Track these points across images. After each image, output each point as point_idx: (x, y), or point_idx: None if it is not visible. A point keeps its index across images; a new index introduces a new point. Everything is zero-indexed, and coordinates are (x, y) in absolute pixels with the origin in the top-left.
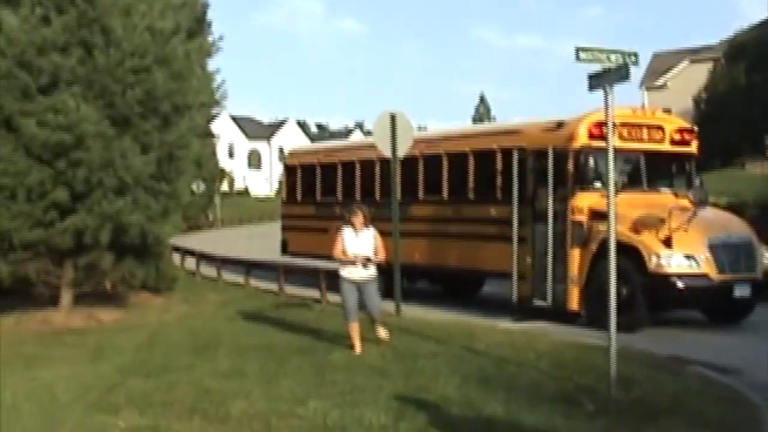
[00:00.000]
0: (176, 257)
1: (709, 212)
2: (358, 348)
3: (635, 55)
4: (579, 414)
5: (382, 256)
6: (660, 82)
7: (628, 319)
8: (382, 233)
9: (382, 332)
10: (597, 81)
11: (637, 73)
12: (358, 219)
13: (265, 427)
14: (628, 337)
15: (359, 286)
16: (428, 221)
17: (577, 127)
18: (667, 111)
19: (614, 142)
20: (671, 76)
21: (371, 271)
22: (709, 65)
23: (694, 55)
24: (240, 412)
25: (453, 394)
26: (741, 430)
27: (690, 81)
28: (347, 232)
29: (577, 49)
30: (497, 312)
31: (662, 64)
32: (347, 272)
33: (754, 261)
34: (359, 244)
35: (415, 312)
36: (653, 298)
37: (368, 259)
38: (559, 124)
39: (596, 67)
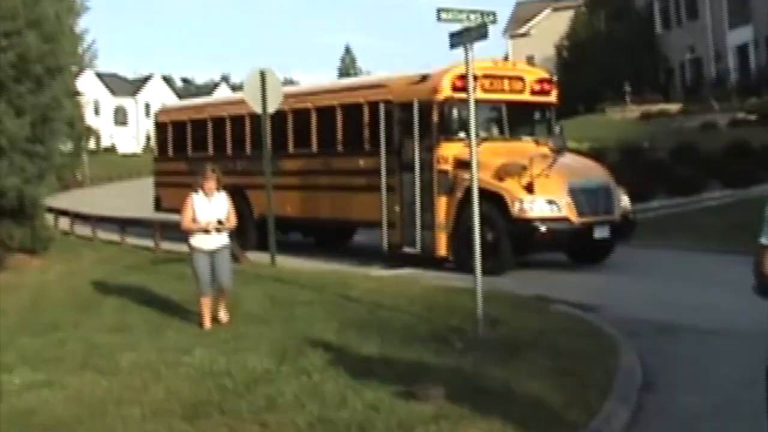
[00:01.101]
0: (49, 218)
1: (568, 158)
2: (207, 323)
3: (493, 14)
4: (449, 352)
5: (233, 222)
6: (523, 30)
7: (494, 262)
8: (255, 186)
9: (224, 312)
10: (458, 39)
11: (500, 20)
12: (211, 182)
13: (155, 376)
14: (495, 280)
15: (212, 255)
16: (299, 174)
17: (441, 80)
18: (530, 61)
19: (476, 93)
20: (534, 23)
21: (224, 239)
22: (571, 13)
23: (557, 3)
24: (130, 363)
25: (331, 338)
26: (595, 359)
27: (553, 29)
28: (198, 198)
29: (439, 10)
30: (369, 260)
31: (525, 12)
32: (199, 241)
33: (612, 204)
34: (211, 209)
35: (289, 263)
36: (518, 241)
37: (220, 223)
38: (424, 77)
39: (457, 27)
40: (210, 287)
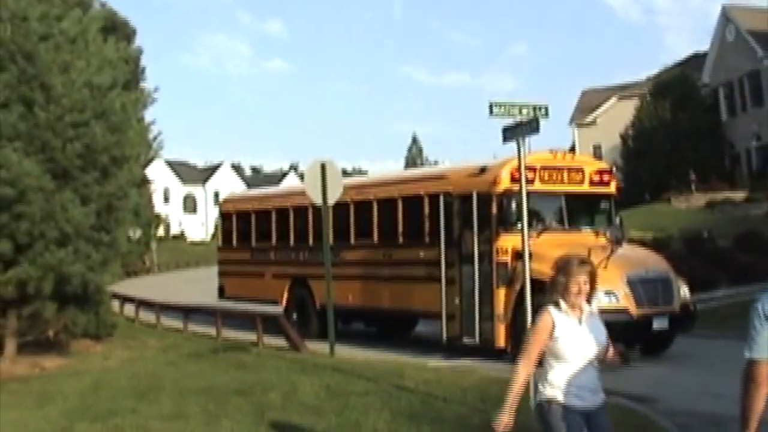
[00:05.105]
0: (115, 304)
1: (627, 249)
2: None
3: (545, 108)
4: None
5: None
6: (589, 119)
7: None
8: (317, 276)
9: None
10: (510, 134)
11: (567, 109)
12: (582, 283)
13: None
14: None
15: (588, 417)
16: (360, 264)
17: (500, 172)
18: (596, 150)
19: (535, 185)
20: (600, 112)
21: (602, 392)
22: (637, 102)
23: (622, 91)
24: None
25: (383, 428)
26: None
27: (618, 117)
28: (560, 317)
29: (491, 105)
30: (428, 351)
31: (591, 100)
32: (567, 394)
33: (672, 294)
34: (587, 339)
35: (348, 352)
36: None
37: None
38: (483, 169)
39: (509, 121)
40: None
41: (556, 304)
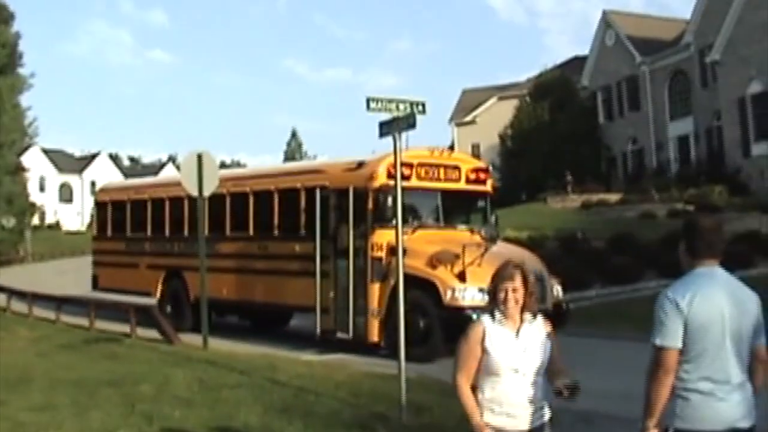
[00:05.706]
0: None
1: (502, 247)
2: None
3: (422, 104)
4: None
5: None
6: (469, 118)
7: (425, 349)
8: (191, 268)
9: None
10: (387, 129)
11: (447, 108)
12: (516, 290)
13: None
14: (425, 367)
15: None
16: (235, 257)
17: (377, 167)
18: (475, 149)
19: (412, 181)
20: (480, 112)
21: (544, 413)
22: (516, 102)
23: (502, 92)
24: None
25: (254, 422)
26: None
27: (498, 117)
28: (492, 327)
29: (368, 99)
30: (302, 345)
31: (471, 100)
32: (498, 416)
33: (545, 293)
34: (524, 352)
35: (222, 345)
36: (449, 329)
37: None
38: (360, 164)
39: (386, 116)
40: None
41: (491, 314)
